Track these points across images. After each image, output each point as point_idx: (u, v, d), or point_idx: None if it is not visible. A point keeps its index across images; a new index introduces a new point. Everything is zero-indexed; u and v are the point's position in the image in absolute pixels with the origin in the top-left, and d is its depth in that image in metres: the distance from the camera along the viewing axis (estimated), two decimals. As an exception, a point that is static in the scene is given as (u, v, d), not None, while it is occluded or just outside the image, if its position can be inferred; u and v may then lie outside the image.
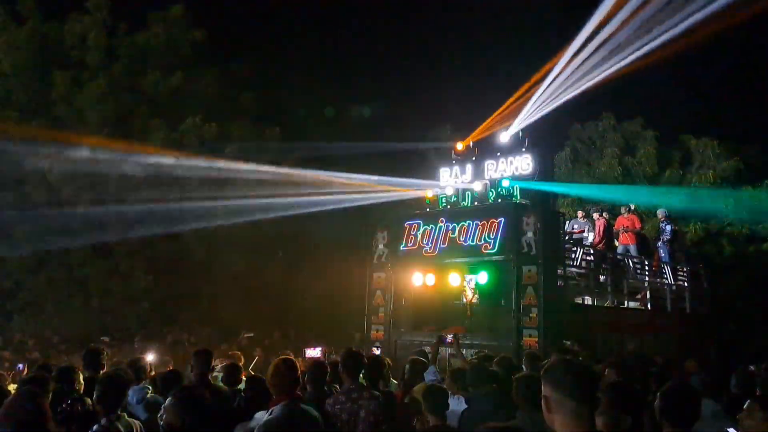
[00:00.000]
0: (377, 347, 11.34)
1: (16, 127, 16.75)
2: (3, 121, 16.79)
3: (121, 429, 3.92)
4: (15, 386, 5.68)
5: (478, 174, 12.08)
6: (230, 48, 21.23)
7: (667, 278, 13.59)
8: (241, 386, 5.73)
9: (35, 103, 17.32)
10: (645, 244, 13.94)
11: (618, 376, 5.10)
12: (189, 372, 5.90)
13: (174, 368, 6.40)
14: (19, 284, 16.62)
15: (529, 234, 10.21)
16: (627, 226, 13.71)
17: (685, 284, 13.90)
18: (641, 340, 11.39)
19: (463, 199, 11.88)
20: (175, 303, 18.16)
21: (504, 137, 12.08)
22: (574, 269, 11.74)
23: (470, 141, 12.79)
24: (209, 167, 18.20)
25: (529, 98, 13.07)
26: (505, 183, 11.25)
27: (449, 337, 7.75)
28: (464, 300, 11.23)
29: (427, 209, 12.35)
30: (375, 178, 15.08)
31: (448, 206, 12.03)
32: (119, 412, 4.05)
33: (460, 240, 11.15)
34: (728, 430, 4.41)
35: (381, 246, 12.42)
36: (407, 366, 6.25)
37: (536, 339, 9.68)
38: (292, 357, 4.40)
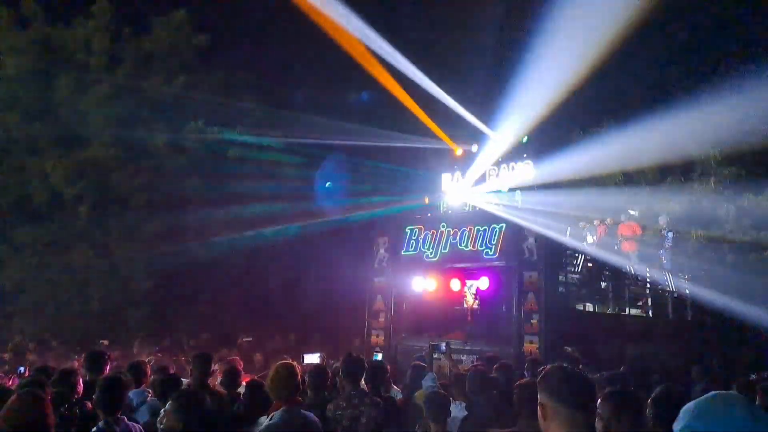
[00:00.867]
0: (377, 352, 11.33)
1: (20, 129, 16.81)
2: (7, 123, 16.84)
3: (117, 431, 3.92)
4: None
5: (479, 180, 12.10)
6: (233, 52, 21.30)
7: (668, 285, 13.58)
8: (241, 390, 5.72)
9: (39, 106, 17.36)
10: (646, 251, 13.92)
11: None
12: (188, 375, 5.91)
13: (174, 372, 6.38)
14: (19, 286, 16.62)
15: (531, 240, 10.22)
16: (628, 234, 13.68)
17: (687, 291, 13.88)
18: (642, 347, 11.37)
19: (465, 205, 11.90)
20: (174, 306, 18.15)
21: (504, 143, 12.12)
22: (575, 275, 11.74)
23: (473, 146, 12.81)
24: (211, 171, 18.25)
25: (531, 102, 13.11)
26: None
27: (443, 346, 7.75)
28: (465, 305, 11.23)
29: (429, 214, 12.37)
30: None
31: (450, 211, 12.04)
32: (119, 415, 4.05)
33: (461, 245, 11.16)
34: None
35: (382, 251, 12.43)
36: (408, 372, 6.26)
37: (537, 345, 9.68)
38: (292, 362, 4.39)
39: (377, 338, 11.97)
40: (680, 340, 12.40)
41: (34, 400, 3.14)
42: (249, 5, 20.80)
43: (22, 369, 9.27)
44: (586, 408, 2.18)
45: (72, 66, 17.50)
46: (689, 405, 1.95)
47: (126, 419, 4.14)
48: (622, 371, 8.46)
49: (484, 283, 10.61)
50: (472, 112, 13.69)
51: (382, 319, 12.04)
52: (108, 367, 5.81)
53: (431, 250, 11.61)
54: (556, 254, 10.58)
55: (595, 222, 13.65)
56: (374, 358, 10.62)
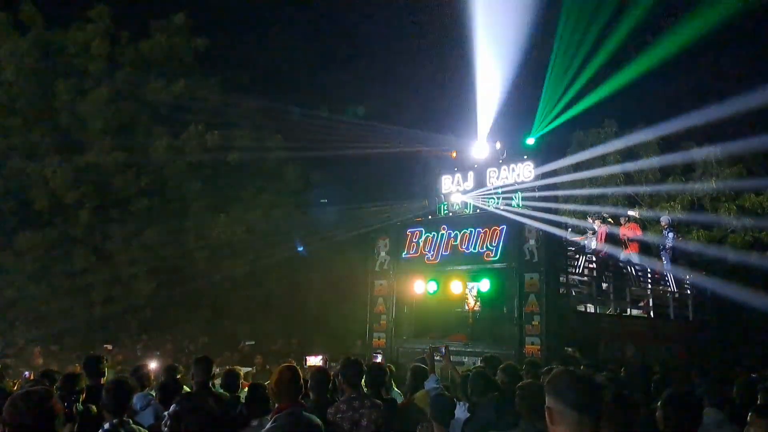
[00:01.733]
0: (377, 354, 11.32)
1: (19, 134, 16.83)
2: (6, 128, 16.86)
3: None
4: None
5: (479, 181, 12.10)
6: (232, 56, 21.33)
7: (669, 286, 13.58)
8: (243, 393, 5.73)
9: (38, 111, 17.37)
10: (647, 252, 13.92)
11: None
12: (190, 379, 5.92)
13: (179, 376, 6.39)
14: (21, 292, 16.62)
15: (532, 241, 10.23)
16: (629, 236, 13.66)
17: (688, 292, 13.88)
18: (643, 348, 11.37)
19: (465, 207, 11.91)
20: (176, 310, 18.17)
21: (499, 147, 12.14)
22: (576, 277, 11.75)
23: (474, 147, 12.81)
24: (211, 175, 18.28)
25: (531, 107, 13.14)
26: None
27: (442, 349, 7.79)
28: (466, 308, 11.22)
29: (429, 216, 12.39)
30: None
31: (450, 213, 12.05)
32: (125, 418, 4.06)
33: (462, 247, 11.17)
34: (731, 438, 4.41)
35: (383, 253, 12.43)
36: (409, 373, 6.26)
37: (538, 347, 9.67)
38: (295, 365, 4.40)
39: (379, 341, 11.97)
40: (681, 341, 12.40)
41: (44, 397, 3.11)
42: (248, 7, 20.83)
43: (27, 374, 9.29)
44: (594, 411, 2.18)
45: (71, 70, 17.52)
46: None
47: (131, 422, 4.15)
48: (623, 373, 8.49)
49: (485, 284, 10.59)
50: (473, 112, 13.69)
51: (383, 322, 12.04)
52: (105, 372, 5.83)
53: (432, 252, 11.62)
54: (557, 256, 10.58)
55: (597, 223, 13.65)
56: (374, 360, 10.62)
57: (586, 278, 12.05)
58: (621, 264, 12.96)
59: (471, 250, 11.03)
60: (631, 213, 14.81)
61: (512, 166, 11.69)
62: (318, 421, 3.95)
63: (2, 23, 17.26)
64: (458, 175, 12.49)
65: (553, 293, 10.18)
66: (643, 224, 15.29)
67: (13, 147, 16.86)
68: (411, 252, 11.98)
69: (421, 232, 11.94)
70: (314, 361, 9.71)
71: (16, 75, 16.92)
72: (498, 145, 12.29)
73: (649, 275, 13.40)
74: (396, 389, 6.70)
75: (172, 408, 3.46)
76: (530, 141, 12.57)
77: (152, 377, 6.57)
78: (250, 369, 10.16)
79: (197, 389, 5.43)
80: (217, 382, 6.17)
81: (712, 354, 12.72)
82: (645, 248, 13.85)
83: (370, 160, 19.51)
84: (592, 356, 9.52)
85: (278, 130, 19.68)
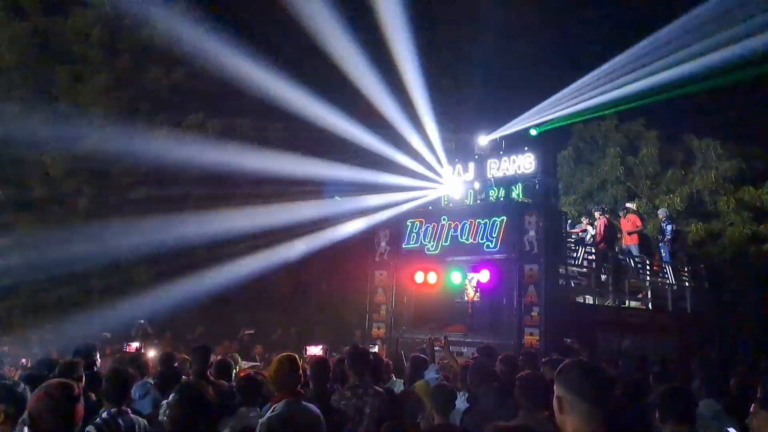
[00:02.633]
0: (373, 345, 11.33)
1: (18, 122, 16.75)
2: (5, 116, 16.78)
3: (121, 424, 3.92)
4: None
5: (480, 172, 12.09)
6: (233, 42, 21.16)
7: (668, 278, 13.61)
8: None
9: (37, 98, 17.28)
10: (646, 244, 13.94)
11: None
12: (187, 368, 5.92)
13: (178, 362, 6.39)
14: (18, 280, 16.61)
15: (531, 233, 10.24)
16: (629, 229, 13.66)
17: (686, 284, 13.91)
18: (641, 340, 11.40)
19: (466, 197, 11.90)
20: (174, 299, 18.16)
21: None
22: (575, 268, 11.77)
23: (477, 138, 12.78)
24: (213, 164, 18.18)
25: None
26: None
27: (442, 339, 7.80)
28: (466, 298, 11.23)
29: (430, 207, 12.37)
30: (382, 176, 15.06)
31: (450, 204, 12.04)
32: (124, 407, 4.07)
33: (462, 238, 11.17)
34: (728, 429, 4.43)
35: (383, 243, 12.43)
36: (408, 364, 6.29)
37: (537, 337, 9.70)
38: (295, 354, 4.41)
39: (378, 331, 11.99)
40: (679, 333, 12.43)
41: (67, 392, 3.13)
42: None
43: (23, 361, 9.30)
44: (604, 402, 2.19)
45: (70, 57, 17.42)
46: None
47: (130, 411, 4.16)
48: (621, 364, 8.51)
49: (484, 275, 10.59)
50: (474, 105, 13.67)
51: (383, 312, 12.06)
52: (98, 360, 5.85)
53: (432, 243, 11.62)
54: (556, 247, 10.59)
55: (596, 215, 13.65)
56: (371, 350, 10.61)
57: (585, 270, 12.07)
58: (620, 256, 12.98)
59: (471, 240, 11.03)
60: (629, 205, 14.81)
61: (513, 157, 11.68)
62: (317, 410, 3.95)
63: (1, 9, 17.15)
64: (459, 166, 12.48)
65: (552, 284, 10.21)
66: (642, 216, 15.28)
67: (12, 134, 16.79)
68: (411, 243, 11.98)
69: (421, 222, 11.93)
70: (314, 350, 9.70)
71: (15, 61, 16.83)
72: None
73: (648, 267, 13.42)
74: (397, 379, 6.70)
75: (171, 397, 3.45)
76: (533, 132, 12.55)
77: (151, 366, 6.57)
78: (256, 364, 9.92)
79: (195, 378, 5.44)
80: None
81: (710, 346, 12.77)
82: (644, 240, 13.88)
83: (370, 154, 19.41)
84: (591, 347, 9.56)
85: (281, 118, 19.55)
